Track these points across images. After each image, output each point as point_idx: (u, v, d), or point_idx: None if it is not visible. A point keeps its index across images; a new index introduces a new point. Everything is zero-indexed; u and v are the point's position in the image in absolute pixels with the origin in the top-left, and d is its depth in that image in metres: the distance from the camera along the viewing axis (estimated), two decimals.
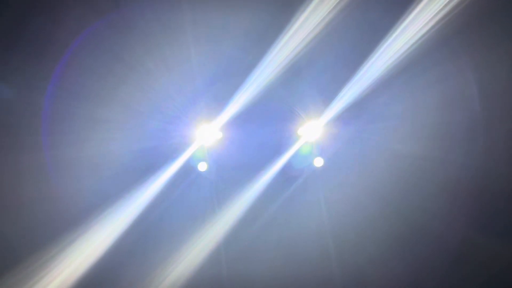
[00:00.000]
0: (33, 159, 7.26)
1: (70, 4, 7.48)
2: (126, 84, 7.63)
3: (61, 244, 6.42)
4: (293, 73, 7.57)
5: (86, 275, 6.00)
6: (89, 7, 7.50)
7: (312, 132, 7.92)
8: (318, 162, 8.04)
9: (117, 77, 7.57)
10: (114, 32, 7.58)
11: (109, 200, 7.20)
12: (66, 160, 7.47)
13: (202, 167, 7.77)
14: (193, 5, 7.77)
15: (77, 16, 7.49)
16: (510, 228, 7.48)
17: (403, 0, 9.40)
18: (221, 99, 7.61)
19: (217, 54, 7.61)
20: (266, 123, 7.76)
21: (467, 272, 6.87)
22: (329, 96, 8.19)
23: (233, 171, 7.77)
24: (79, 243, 6.45)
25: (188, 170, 7.78)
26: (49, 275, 5.85)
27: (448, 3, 9.26)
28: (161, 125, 7.76)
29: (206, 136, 7.67)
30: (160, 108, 7.72)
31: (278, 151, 7.85)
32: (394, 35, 9.45)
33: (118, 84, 7.58)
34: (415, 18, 9.42)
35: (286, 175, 7.87)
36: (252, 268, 6.39)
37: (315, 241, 7.21)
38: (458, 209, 8.12)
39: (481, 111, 9.07)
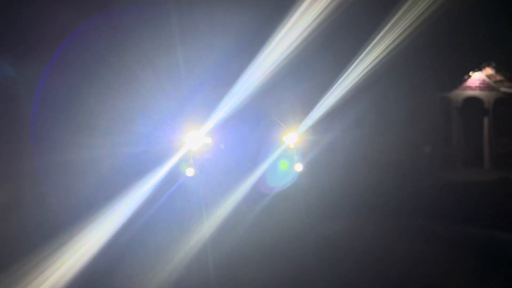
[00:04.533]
0: (21, 164, 7.21)
1: (56, 7, 7.45)
2: (114, 89, 7.74)
3: (51, 247, 6.46)
4: (278, 82, 8.06)
5: (74, 278, 6.10)
6: (78, 13, 7.54)
7: (293, 139, 8.47)
8: (299, 166, 8.59)
9: (105, 82, 7.65)
10: (102, 38, 7.66)
11: (97, 204, 7.29)
12: (53, 166, 7.46)
13: (190, 171, 8.04)
14: (182, 11, 7.98)
15: (64, 22, 7.50)
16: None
17: (368, 23, 10.30)
18: (209, 106, 7.92)
19: (206, 61, 7.89)
20: (252, 129, 8.17)
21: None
22: (309, 105, 8.80)
23: (219, 175, 8.11)
24: (67, 247, 6.51)
25: (176, 175, 8.01)
26: (40, 278, 5.91)
27: (414, 22, 10.42)
28: (148, 130, 7.95)
29: (194, 141, 7.95)
30: (148, 114, 7.90)
31: (262, 156, 8.29)
32: (362, 56, 10.37)
33: (106, 90, 7.67)
34: (380, 40, 10.42)
35: (270, 179, 8.33)
36: (238, 269, 6.75)
37: (298, 240, 7.65)
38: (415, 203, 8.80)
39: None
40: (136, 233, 7.33)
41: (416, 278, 4.49)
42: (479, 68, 15.10)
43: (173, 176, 7.98)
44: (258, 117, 8.20)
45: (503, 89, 15.37)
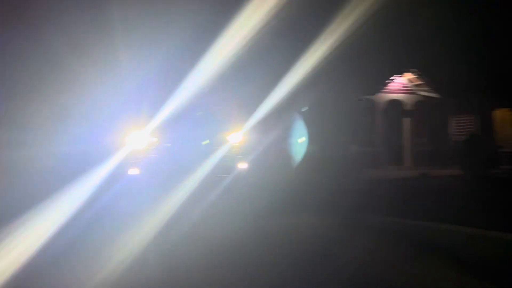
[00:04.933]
0: None
1: None
2: (52, 87, 7.39)
3: None
4: (222, 82, 8.18)
5: (7, 280, 5.83)
6: (10, 6, 7.09)
7: (238, 137, 8.65)
8: (242, 164, 8.78)
9: (43, 79, 7.28)
10: (38, 31, 7.27)
11: (30, 205, 6.95)
12: None
13: (134, 170, 7.90)
14: (124, 7, 7.79)
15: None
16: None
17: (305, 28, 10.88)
18: (154, 105, 7.83)
19: (150, 59, 7.78)
20: (198, 128, 8.20)
21: None
22: (251, 106, 9.06)
23: (164, 174, 8.04)
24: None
25: (118, 174, 7.82)
26: None
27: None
28: (89, 129, 7.69)
29: (138, 140, 7.83)
30: (89, 112, 7.63)
31: (207, 154, 8.36)
32: (296, 63, 10.99)
33: (45, 87, 7.30)
34: (311, 47, 11.11)
35: (214, 177, 8.42)
36: (182, 268, 6.81)
37: (241, 236, 7.81)
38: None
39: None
40: (74, 234, 7.06)
41: (367, 268, 4.79)
42: (401, 73, 16.41)
43: (115, 176, 7.79)
44: (203, 116, 8.27)
45: (422, 92, 16.86)
